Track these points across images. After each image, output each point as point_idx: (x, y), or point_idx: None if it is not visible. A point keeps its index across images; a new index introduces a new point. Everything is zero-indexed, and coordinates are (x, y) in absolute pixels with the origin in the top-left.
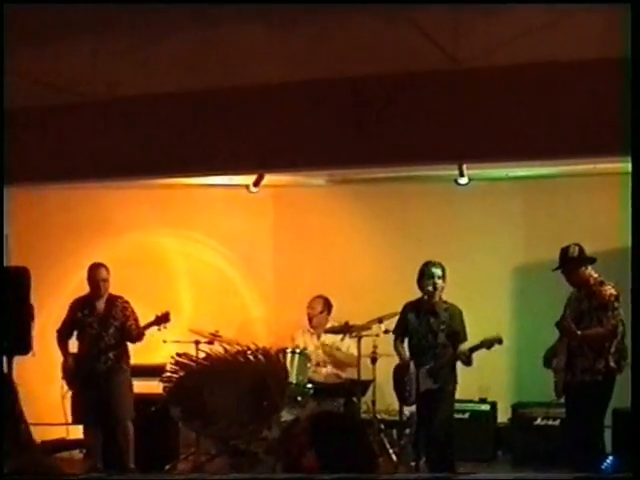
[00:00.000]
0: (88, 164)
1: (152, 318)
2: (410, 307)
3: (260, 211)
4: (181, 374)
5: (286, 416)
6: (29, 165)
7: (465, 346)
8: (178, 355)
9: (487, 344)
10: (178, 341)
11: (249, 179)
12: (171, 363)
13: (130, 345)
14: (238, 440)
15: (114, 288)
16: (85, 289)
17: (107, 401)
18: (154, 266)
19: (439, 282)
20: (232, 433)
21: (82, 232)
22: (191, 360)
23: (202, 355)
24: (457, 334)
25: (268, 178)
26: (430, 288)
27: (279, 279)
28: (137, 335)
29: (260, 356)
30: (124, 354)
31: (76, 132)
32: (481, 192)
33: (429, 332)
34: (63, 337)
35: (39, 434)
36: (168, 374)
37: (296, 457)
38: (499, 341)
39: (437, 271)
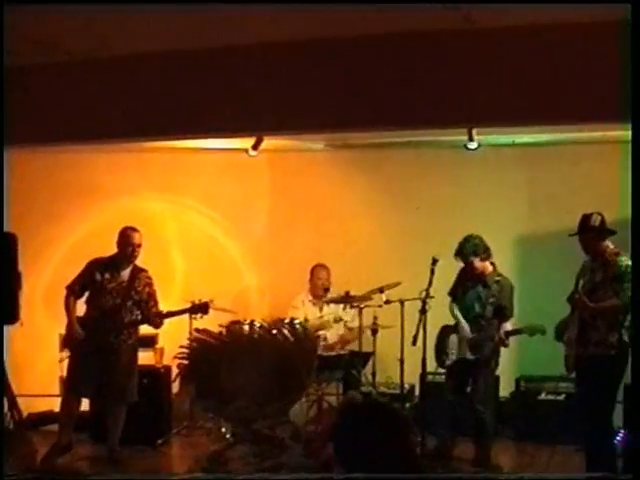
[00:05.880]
0: (81, 126)
1: (188, 305)
2: (463, 273)
3: (255, 176)
4: (198, 350)
5: None
6: (20, 127)
7: (508, 326)
8: (197, 331)
9: (530, 331)
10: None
11: (247, 142)
12: (189, 339)
13: None
14: (258, 422)
15: (102, 254)
16: (75, 257)
17: (112, 379)
18: (144, 233)
19: (473, 256)
20: (250, 413)
21: (69, 197)
22: (211, 336)
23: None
24: (504, 308)
25: (265, 142)
26: (468, 261)
27: (275, 247)
28: (158, 320)
29: (286, 332)
30: (137, 331)
31: (68, 93)
32: (486, 159)
33: (477, 301)
34: (73, 296)
35: (26, 406)
36: (184, 350)
37: (317, 448)
38: (542, 332)
39: (471, 245)
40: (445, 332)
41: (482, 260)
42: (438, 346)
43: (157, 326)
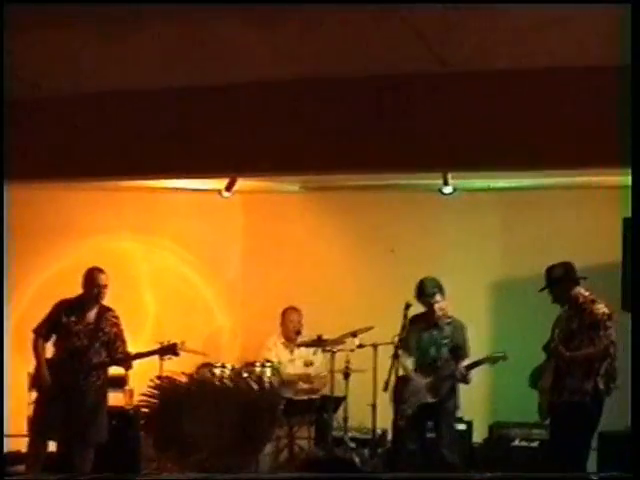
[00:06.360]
0: (52, 164)
1: (156, 346)
2: (414, 320)
3: (229, 217)
4: (161, 399)
5: None
6: None
7: (465, 362)
8: (159, 378)
9: (491, 360)
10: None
11: (221, 183)
12: (150, 386)
13: None
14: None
15: (73, 294)
16: (47, 294)
17: (79, 421)
18: (117, 272)
19: (437, 297)
20: (212, 465)
21: (43, 234)
22: (173, 384)
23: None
24: (460, 349)
25: (239, 183)
26: (429, 303)
27: (247, 289)
28: (127, 362)
29: (251, 382)
30: (106, 372)
31: (40, 130)
32: (461, 203)
33: (432, 345)
34: (41, 339)
35: None
36: (145, 398)
37: None
38: (504, 358)
39: (433, 287)
40: (400, 383)
41: (444, 299)
42: (395, 398)
43: (126, 368)
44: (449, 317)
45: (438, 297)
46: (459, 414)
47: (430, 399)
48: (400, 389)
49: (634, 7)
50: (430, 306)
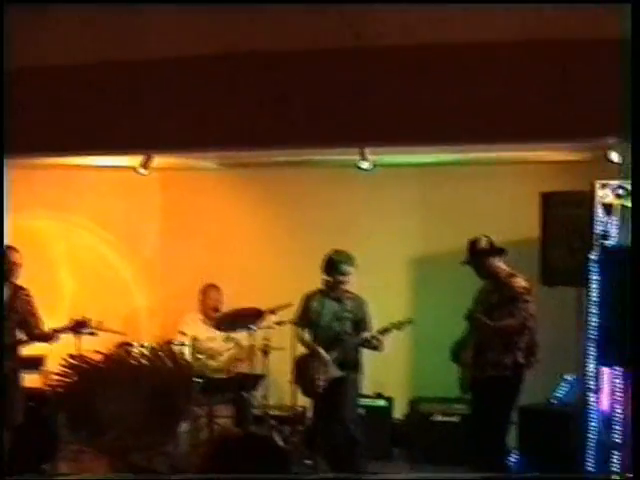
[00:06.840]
0: None
1: (67, 322)
2: (312, 296)
3: (147, 195)
4: (74, 378)
5: None
6: None
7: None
8: (71, 357)
9: (398, 326)
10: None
11: (136, 160)
12: (62, 365)
13: None
14: (134, 454)
15: None
16: None
17: None
18: (32, 251)
19: (349, 270)
20: (124, 445)
21: None
22: (86, 362)
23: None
24: (363, 322)
25: (157, 160)
26: (340, 277)
27: (167, 266)
28: (47, 336)
29: (166, 359)
30: (19, 353)
31: None
32: (380, 179)
33: (335, 320)
34: None
35: None
36: (57, 377)
37: None
38: (410, 322)
39: (346, 260)
40: (304, 360)
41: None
42: (301, 376)
43: (48, 341)
44: (350, 293)
45: (349, 269)
46: (378, 390)
47: (337, 373)
48: (303, 369)
49: (634, 7)
50: (339, 279)
